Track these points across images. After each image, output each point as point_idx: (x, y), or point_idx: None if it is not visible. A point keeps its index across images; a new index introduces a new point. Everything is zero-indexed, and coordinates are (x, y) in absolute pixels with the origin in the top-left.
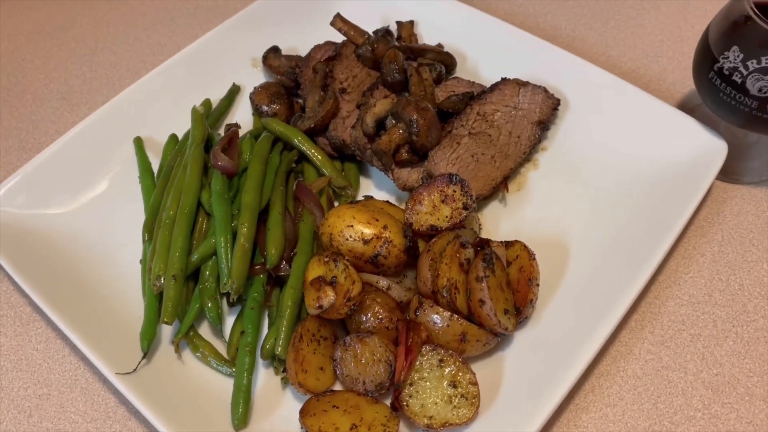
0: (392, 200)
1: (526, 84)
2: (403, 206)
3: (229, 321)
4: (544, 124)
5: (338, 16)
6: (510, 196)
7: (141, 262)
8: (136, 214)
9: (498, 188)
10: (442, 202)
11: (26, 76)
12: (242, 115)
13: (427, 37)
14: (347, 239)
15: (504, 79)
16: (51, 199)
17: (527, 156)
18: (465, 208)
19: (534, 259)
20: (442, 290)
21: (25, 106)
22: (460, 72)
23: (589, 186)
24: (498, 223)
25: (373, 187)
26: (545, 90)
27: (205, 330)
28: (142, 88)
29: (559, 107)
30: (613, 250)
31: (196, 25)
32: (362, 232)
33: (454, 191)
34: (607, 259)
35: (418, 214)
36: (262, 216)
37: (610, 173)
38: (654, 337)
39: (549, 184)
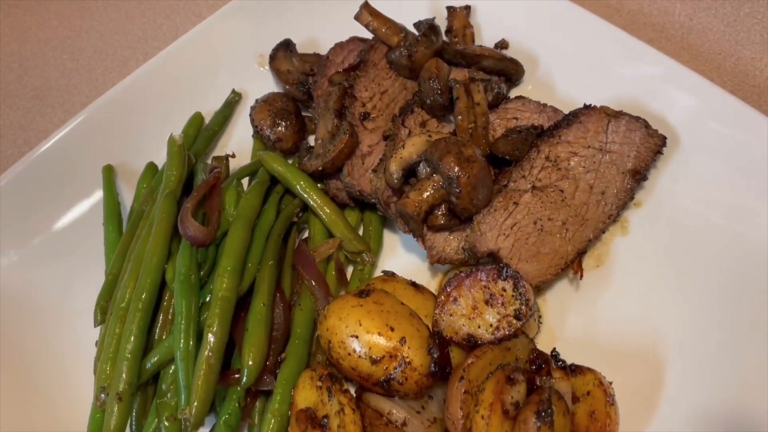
0: (425, 274)
1: (618, 115)
2: (438, 282)
3: None
4: (641, 174)
5: (366, 6)
6: (585, 275)
7: (96, 344)
8: (100, 269)
9: (568, 267)
10: (486, 303)
11: None
12: (242, 132)
13: (488, 30)
14: (350, 354)
15: (587, 108)
16: None
17: (613, 218)
18: (518, 317)
19: (613, 403)
20: None
21: None
22: (527, 84)
23: (699, 265)
24: (565, 314)
25: (399, 247)
26: (646, 124)
27: None
28: (122, 96)
29: (664, 149)
30: (733, 375)
31: (200, 1)
32: (371, 346)
33: (504, 290)
34: (724, 388)
35: (451, 316)
36: (244, 300)
37: (731, 249)
38: None
39: (641, 258)
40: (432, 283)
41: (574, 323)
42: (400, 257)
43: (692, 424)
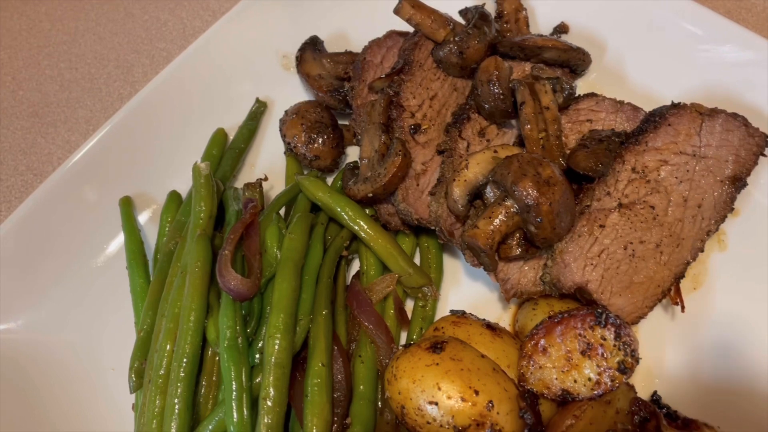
0: (495, 305)
1: (712, 114)
2: (511, 316)
3: None
4: (742, 181)
5: None
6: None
7: (133, 408)
8: (129, 319)
9: (665, 296)
10: (583, 354)
11: None
12: (271, 147)
13: (543, 12)
14: (429, 422)
15: (675, 107)
16: (6, 305)
17: (712, 233)
18: (622, 370)
19: None
20: None
21: None
22: (591, 72)
23: None
24: (661, 348)
25: (462, 275)
26: (745, 122)
27: None
28: (133, 116)
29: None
30: None
31: None
32: (454, 414)
33: (604, 339)
34: None
35: (541, 368)
36: (298, 355)
37: None
38: None
39: (744, 275)
40: (504, 317)
41: (673, 357)
42: (465, 287)
43: None
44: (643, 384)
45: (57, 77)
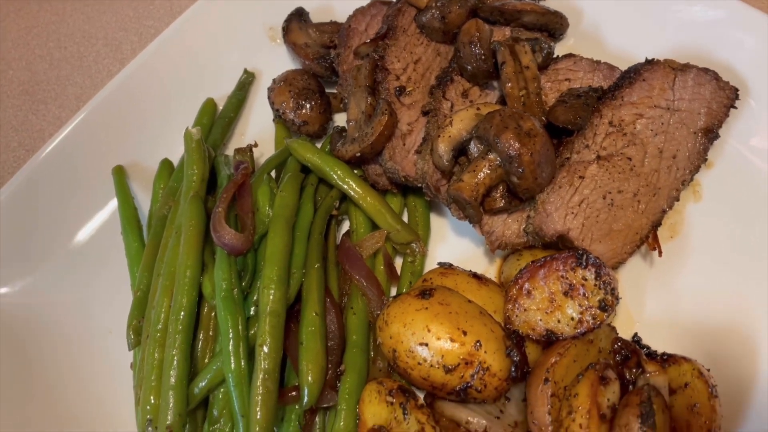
0: (481, 259)
1: (685, 68)
2: (497, 268)
3: None
4: (714, 132)
5: None
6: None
7: (132, 367)
8: (124, 283)
9: (643, 243)
10: (565, 294)
11: None
12: (261, 116)
13: None
14: (420, 363)
15: (649, 63)
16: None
17: (687, 183)
18: (603, 308)
19: (717, 395)
20: None
21: None
22: (569, 38)
23: None
24: (641, 293)
25: (449, 231)
26: (716, 76)
27: None
28: (123, 88)
29: (737, 101)
30: None
31: None
32: (443, 354)
33: (585, 279)
34: None
35: (526, 311)
36: (292, 308)
37: None
38: None
39: (719, 224)
40: (490, 270)
41: (653, 302)
42: (452, 242)
43: None
44: (624, 328)
45: (46, 56)
